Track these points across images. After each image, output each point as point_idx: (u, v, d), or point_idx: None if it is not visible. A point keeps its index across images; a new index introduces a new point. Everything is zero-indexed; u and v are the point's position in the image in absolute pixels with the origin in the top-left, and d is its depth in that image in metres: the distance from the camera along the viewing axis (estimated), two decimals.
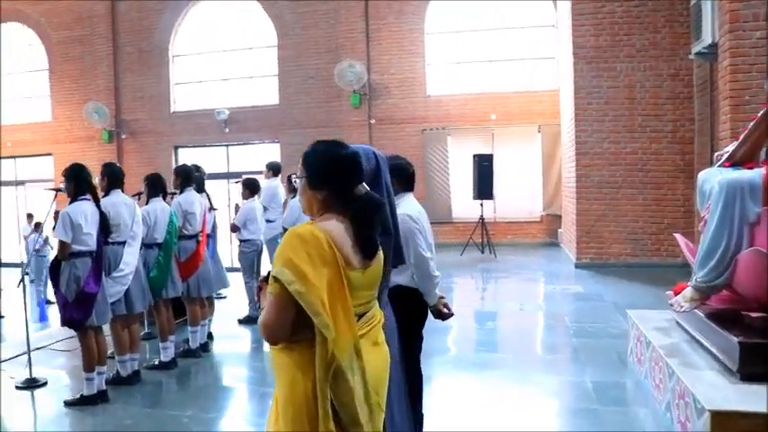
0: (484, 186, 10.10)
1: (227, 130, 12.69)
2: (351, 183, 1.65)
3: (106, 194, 4.45)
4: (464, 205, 11.04)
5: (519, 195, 11.31)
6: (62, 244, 3.89)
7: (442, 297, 2.98)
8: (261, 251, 6.41)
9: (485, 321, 6.13)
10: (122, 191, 4.55)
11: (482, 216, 10.16)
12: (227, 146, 12.92)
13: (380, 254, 1.72)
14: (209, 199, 5.64)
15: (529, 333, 5.61)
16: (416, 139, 11.61)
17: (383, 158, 2.14)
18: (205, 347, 5.23)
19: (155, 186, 4.99)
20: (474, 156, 10.37)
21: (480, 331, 5.76)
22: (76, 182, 4.05)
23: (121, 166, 4.92)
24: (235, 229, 6.28)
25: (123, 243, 4.36)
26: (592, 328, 5.39)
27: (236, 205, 6.80)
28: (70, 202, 4.05)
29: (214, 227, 5.77)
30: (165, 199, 5.00)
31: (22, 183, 14.93)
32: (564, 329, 5.50)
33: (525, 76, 11.63)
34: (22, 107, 14.60)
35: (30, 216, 11.93)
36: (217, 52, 13.13)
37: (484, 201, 10.17)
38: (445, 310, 2.96)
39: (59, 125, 14.11)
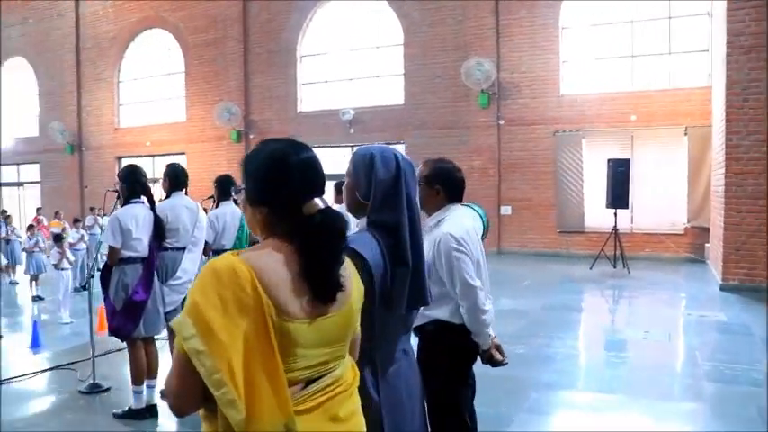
0: (618, 194, 10.18)
1: (351, 130, 13.78)
2: (297, 197, 1.30)
3: (168, 196, 4.48)
4: (597, 214, 11.24)
5: (660, 204, 11.30)
6: (111, 249, 3.93)
7: (493, 337, 2.62)
8: None
9: (601, 350, 5.86)
10: (186, 193, 4.55)
11: (615, 226, 10.24)
12: (351, 146, 14.00)
13: (354, 294, 1.40)
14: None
15: (649, 370, 5.01)
16: (548, 141, 11.97)
17: (408, 164, 1.83)
18: None
19: (225, 189, 5.04)
20: (608, 160, 10.47)
21: (593, 363, 5.46)
22: (129, 184, 4.10)
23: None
24: None
25: (183, 249, 4.35)
26: (729, 370, 4.80)
27: None
28: (122, 205, 4.12)
29: None
30: (236, 203, 5.00)
31: (157, 181, 17.09)
32: (693, 368, 5.01)
33: (671, 71, 11.57)
34: (161, 108, 16.72)
35: (92, 209, 13.99)
36: (343, 52, 14.27)
37: (618, 210, 10.25)
38: (498, 356, 2.58)
39: (193, 125, 16.01)
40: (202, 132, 15.78)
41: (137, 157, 16.82)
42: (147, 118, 16.92)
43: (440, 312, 2.50)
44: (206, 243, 4.82)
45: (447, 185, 2.61)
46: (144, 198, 4.11)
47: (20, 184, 20.08)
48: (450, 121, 12.74)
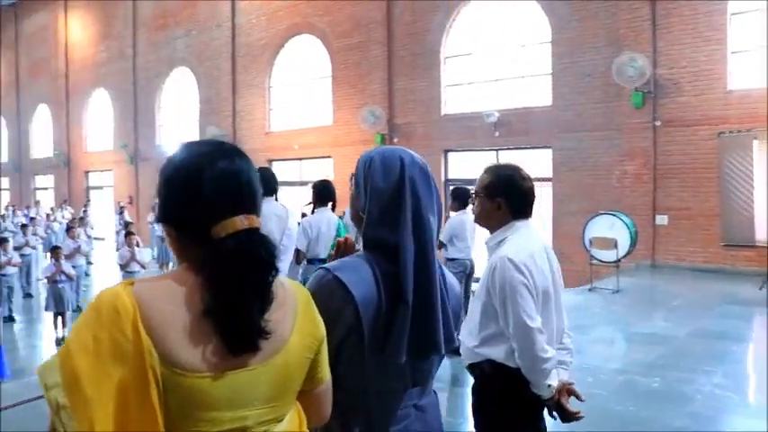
0: None
1: (496, 133, 14.19)
2: (206, 217, 1.16)
3: None
4: None
5: None
6: None
7: (569, 383, 2.38)
8: (471, 272, 6.43)
9: (756, 395, 5.34)
10: (276, 199, 4.62)
11: None
12: (496, 150, 14.43)
13: (295, 341, 1.22)
14: None
15: None
16: (711, 143, 11.57)
17: (420, 169, 1.59)
18: None
19: (322, 195, 5.13)
20: None
21: (743, 410, 4.97)
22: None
23: None
24: (440, 245, 6.06)
25: None
26: None
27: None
28: None
29: None
30: (334, 209, 5.14)
31: (305, 183, 18.67)
32: None
33: None
34: (309, 112, 18.22)
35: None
36: (487, 52, 14.70)
37: None
38: (569, 407, 2.33)
39: (339, 129, 17.28)
40: (348, 136, 16.97)
41: (285, 160, 18.56)
42: (295, 122, 18.51)
43: (494, 351, 2.28)
44: (298, 251, 4.94)
45: (511, 197, 2.37)
46: None
47: None
48: (600, 123, 12.72)
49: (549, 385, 2.26)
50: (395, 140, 16.06)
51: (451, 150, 15.30)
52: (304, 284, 4.33)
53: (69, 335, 1.08)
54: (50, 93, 29.56)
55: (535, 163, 13.23)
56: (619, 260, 10.11)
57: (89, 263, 14.94)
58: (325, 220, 5.06)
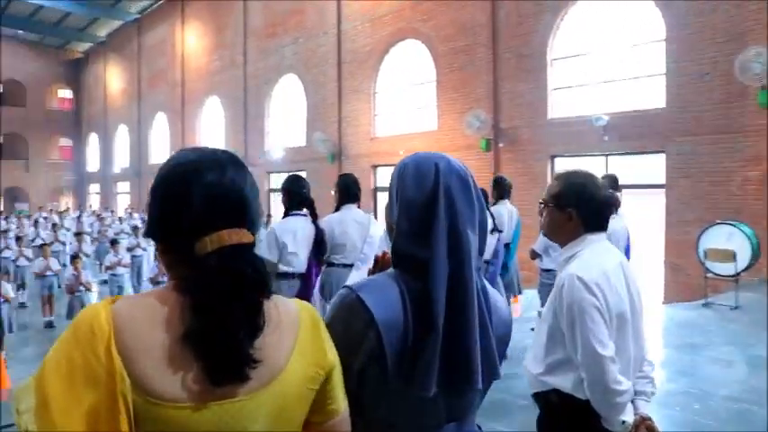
0: None
1: (605, 138, 13.94)
2: (190, 232, 1.12)
3: (337, 209, 4.58)
4: None
5: None
6: (267, 264, 4.51)
7: (647, 418, 2.16)
8: None
9: None
10: (359, 206, 4.62)
11: None
12: (606, 155, 14.17)
13: (294, 370, 1.16)
14: (493, 219, 5.46)
15: None
16: None
17: (458, 177, 1.48)
18: None
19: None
20: None
21: None
22: (290, 195, 4.24)
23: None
24: (534, 255, 6.00)
25: (351, 265, 4.36)
26: None
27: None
28: (283, 217, 4.25)
29: (496, 253, 5.56)
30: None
31: None
32: None
33: None
34: (414, 118, 18.61)
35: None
36: (596, 52, 14.47)
37: None
38: None
39: (443, 134, 17.52)
40: (452, 141, 17.18)
41: (390, 165, 19.00)
42: (400, 127, 18.96)
43: (561, 381, 2.12)
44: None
45: (583, 208, 2.20)
46: (306, 210, 4.19)
47: None
48: (721, 125, 12.21)
49: (624, 421, 2.08)
50: (500, 145, 16.12)
51: (558, 156, 15.16)
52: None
53: (48, 353, 1.04)
54: (168, 101, 31.77)
55: (647, 169, 12.91)
56: (738, 274, 9.71)
57: None
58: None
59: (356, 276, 4.23)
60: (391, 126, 19.39)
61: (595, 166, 14.30)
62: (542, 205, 2.37)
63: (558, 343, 2.15)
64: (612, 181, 6.10)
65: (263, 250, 4.13)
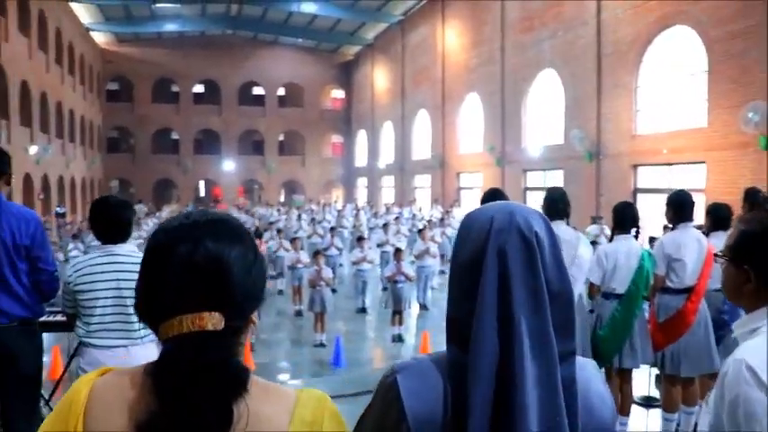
0: None
1: None
2: (155, 313, 1.08)
3: None
4: None
5: None
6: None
7: None
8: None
9: None
10: (567, 222, 4.57)
11: None
12: None
13: None
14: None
15: None
16: None
17: (521, 236, 1.22)
18: None
19: (622, 219, 4.88)
20: None
21: None
22: (549, 204, 4.30)
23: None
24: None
25: None
26: None
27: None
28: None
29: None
30: (637, 237, 4.84)
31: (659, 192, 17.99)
32: None
33: None
34: (680, 113, 17.52)
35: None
36: None
37: None
38: None
39: (714, 131, 16.25)
40: (725, 138, 15.89)
41: (652, 165, 18.18)
42: (664, 124, 17.98)
43: None
44: (591, 284, 4.82)
45: (764, 267, 1.71)
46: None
47: (545, 190, 23.82)
48: None
49: None
50: None
51: None
52: (596, 322, 4.66)
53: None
54: (429, 99, 33.54)
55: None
56: None
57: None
58: (624, 250, 4.73)
59: None
60: (654, 123, 18.45)
61: None
62: (717, 257, 1.94)
63: None
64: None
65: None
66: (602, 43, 20.07)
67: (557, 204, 4.54)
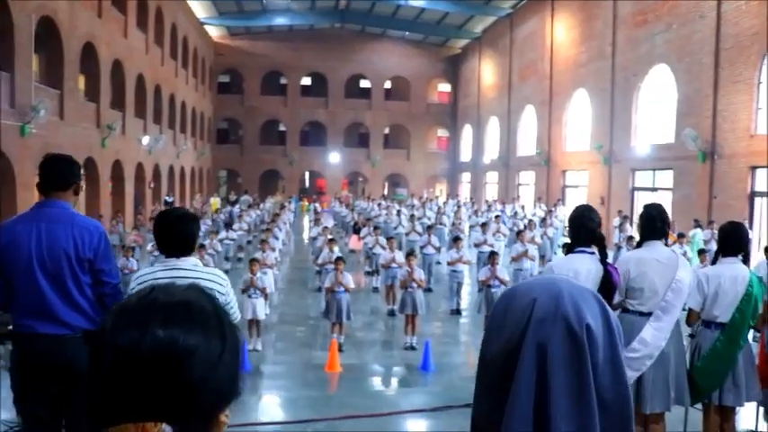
0: None
1: None
2: (96, 417, 0.94)
3: (639, 244, 4.31)
4: None
5: None
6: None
7: None
8: None
9: None
10: (666, 243, 4.35)
11: None
12: None
13: None
14: None
15: None
16: None
17: (567, 327, 1.03)
18: None
19: (730, 241, 4.54)
20: None
21: None
22: (576, 228, 3.98)
23: None
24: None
25: (648, 315, 4.08)
26: None
27: None
28: (566, 253, 4.08)
29: None
30: (746, 261, 4.56)
31: None
32: None
33: None
34: None
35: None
36: None
37: None
38: None
39: None
40: None
41: None
42: None
43: None
44: (690, 310, 4.51)
45: None
46: (594, 248, 3.90)
47: (653, 190, 23.06)
48: None
49: None
50: None
51: None
52: (695, 352, 4.37)
53: None
54: (536, 94, 33.05)
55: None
56: None
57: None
58: (728, 274, 4.37)
59: (654, 329, 4.01)
60: None
61: None
62: None
63: None
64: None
65: None
66: (722, 36, 19.12)
67: (654, 223, 4.25)
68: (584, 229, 3.95)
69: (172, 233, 3.51)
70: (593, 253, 3.91)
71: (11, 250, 3.50)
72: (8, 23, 16.56)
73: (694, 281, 4.42)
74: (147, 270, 3.61)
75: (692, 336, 4.82)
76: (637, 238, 5.08)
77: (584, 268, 3.83)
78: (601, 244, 3.93)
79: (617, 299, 4.16)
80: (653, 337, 3.98)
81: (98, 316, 3.67)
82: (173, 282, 0.97)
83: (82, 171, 3.99)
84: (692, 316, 4.62)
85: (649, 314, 4.05)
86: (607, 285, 3.75)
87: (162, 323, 0.89)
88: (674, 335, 4.24)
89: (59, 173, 3.66)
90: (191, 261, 3.54)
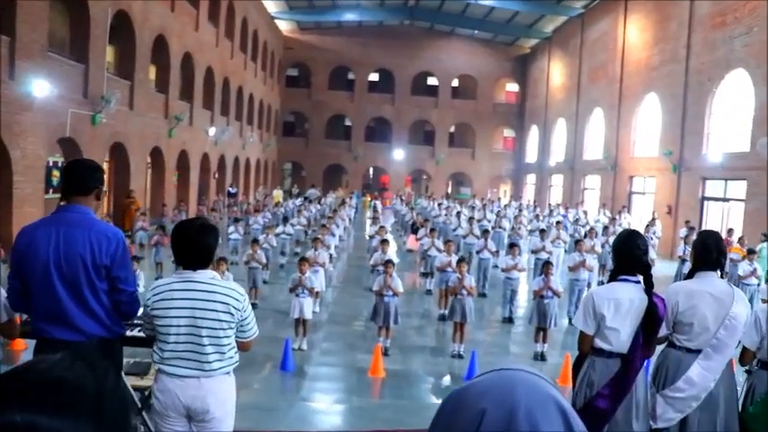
0: None
1: None
2: None
3: (690, 275, 4.02)
4: None
5: None
6: (581, 335, 3.82)
7: None
8: None
9: None
10: (723, 276, 4.07)
11: None
12: None
13: None
14: None
15: None
16: None
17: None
18: None
19: None
20: None
21: None
22: (620, 254, 3.79)
23: None
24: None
25: (698, 352, 3.86)
26: None
27: None
28: (609, 280, 3.88)
29: None
30: None
31: None
32: None
33: None
34: None
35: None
36: None
37: None
38: None
39: None
40: None
41: None
42: None
43: None
44: (745, 349, 4.14)
45: None
46: (640, 276, 3.73)
47: (725, 200, 22.20)
48: None
49: None
50: None
51: None
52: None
53: None
54: (605, 97, 32.26)
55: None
56: None
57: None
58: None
59: (702, 368, 3.77)
60: None
61: None
62: None
63: None
64: None
65: (578, 317, 3.86)
66: None
67: (710, 253, 3.92)
68: (630, 255, 3.71)
69: (190, 245, 3.44)
70: (638, 282, 3.71)
71: (29, 254, 3.49)
72: (85, 17, 17.20)
73: (751, 317, 4.04)
74: (163, 281, 3.53)
75: (748, 372, 4.35)
76: None
77: (626, 298, 3.65)
78: (647, 272, 3.70)
79: (663, 332, 3.89)
80: (700, 377, 3.78)
81: (114, 323, 3.68)
82: (65, 354, 0.85)
83: (104, 175, 3.87)
84: (746, 355, 4.17)
85: (698, 351, 3.83)
86: (651, 317, 3.58)
87: (22, 406, 0.77)
88: (726, 376, 3.94)
89: (81, 177, 3.63)
90: (208, 274, 3.46)
